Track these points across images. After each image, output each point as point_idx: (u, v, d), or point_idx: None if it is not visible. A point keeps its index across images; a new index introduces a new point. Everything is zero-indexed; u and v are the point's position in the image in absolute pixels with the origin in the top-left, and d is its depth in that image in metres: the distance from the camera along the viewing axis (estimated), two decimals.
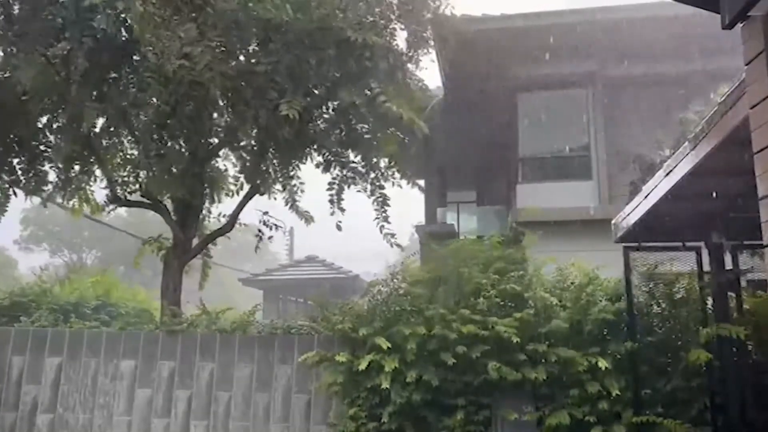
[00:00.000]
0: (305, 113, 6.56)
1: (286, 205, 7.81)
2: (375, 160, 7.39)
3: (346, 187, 7.45)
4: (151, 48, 5.93)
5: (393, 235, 7.25)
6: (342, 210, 7.43)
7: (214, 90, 6.27)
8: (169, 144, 7.61)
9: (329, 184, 7.49)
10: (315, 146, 7.55)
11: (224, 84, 6.35)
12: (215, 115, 7.64)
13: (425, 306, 5.94)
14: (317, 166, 7.68)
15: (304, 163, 7.87)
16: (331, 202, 7.44)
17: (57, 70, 6.68)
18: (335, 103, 7.09)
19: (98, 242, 38.88)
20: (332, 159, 7.51)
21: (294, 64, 6.45)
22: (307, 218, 7.98)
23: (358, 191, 7.46)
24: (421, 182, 12.98)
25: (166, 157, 7.37)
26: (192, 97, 6.75)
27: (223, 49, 6.19)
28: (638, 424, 5.15)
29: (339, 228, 7.44)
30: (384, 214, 7.21)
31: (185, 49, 5.85)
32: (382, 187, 7.32)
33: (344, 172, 7.45)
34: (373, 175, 7.36)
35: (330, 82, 6.83)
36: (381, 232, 7.21)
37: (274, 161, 7.88)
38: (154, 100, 6.71)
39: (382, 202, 7.24)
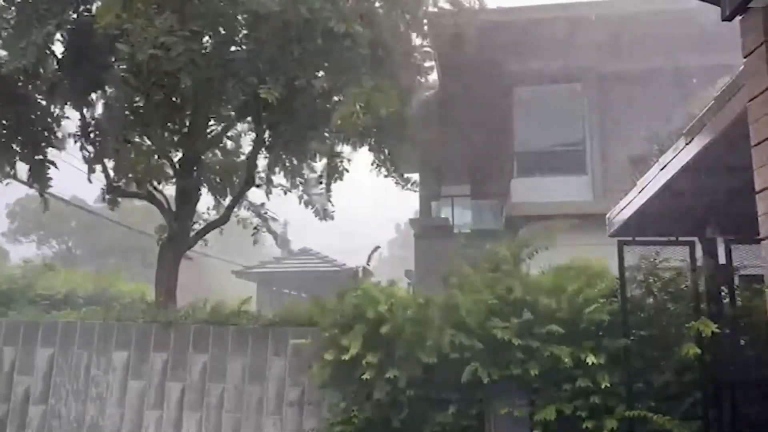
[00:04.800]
0: (286, 98, 6.54)
1: (302, 203, 7.95)
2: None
3: (333, 181, 7.47)
4: (124, 36, 5.87)
5: (329, 211, 7.44)
6: (330, 202, 7.54)
7: (185, 78, 6.10)
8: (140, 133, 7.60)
9: (319, 176, 7.57)
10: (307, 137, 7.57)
11: (197, 73, 6.23)
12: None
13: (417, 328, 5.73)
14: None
15: (313, 169, 7.93)
16: (325, 184, 7.53)
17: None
18: (317, 92, 7.10)
19: (86, 233, 38.67)
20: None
21: (276, 53, 6.39)
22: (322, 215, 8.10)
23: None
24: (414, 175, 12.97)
25: (134, 145, 7.34)
26: (163, 87, 6.68)
27: (207, 37, 6.11)
28: (630, 418, 5.16)
29: (331, 217, 7.53)
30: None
31: (161, 38, 5.76)
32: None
33: (332, 163, 7.44)
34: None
35: (312, 72, 6.81)
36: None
37: (289, 158, 7.89)
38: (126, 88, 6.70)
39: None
